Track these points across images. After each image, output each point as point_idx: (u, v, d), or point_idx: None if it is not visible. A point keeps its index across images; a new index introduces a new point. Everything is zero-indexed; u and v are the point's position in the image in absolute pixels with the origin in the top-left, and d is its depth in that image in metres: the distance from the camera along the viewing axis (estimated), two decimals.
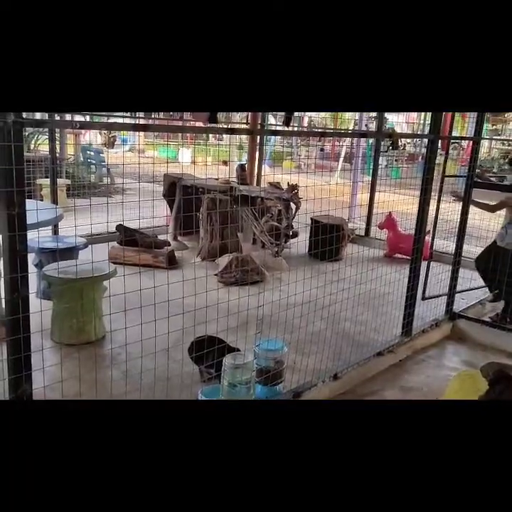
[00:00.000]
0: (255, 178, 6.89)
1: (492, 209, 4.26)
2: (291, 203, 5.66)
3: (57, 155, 7.22)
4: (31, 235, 2.08)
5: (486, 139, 11.92)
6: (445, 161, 4.24)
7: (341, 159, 13.69)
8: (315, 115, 19.37)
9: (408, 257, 3.71)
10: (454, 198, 4.29)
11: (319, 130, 12.26)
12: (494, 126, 17.58)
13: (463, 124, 12.99)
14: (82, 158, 10.00)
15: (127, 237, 4.85)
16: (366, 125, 9.64)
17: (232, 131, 2.35)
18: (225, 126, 7.96)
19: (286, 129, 3.76)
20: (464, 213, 3.92)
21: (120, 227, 4.88)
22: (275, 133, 4.57)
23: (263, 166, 7.82)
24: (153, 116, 19.11)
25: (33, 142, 9.65)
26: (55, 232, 4.95)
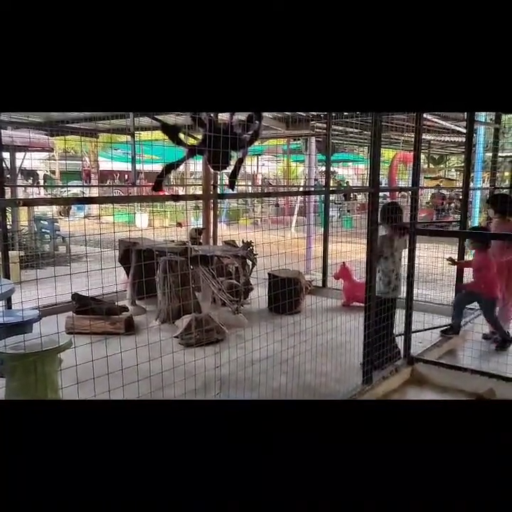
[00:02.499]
0: (211, 237, 6.99)
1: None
2: (247, 260, 5.76)
3: (9, 227, 7.15)
4: None
5: (423, 187, 12.57)
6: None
7: (296, 213, 14.08)
8: (266, 171, 19.97)
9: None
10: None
11: (268, 191, 12.65)
12: (437, 174, 18.57)
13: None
14: (35, 229, 9.91)
15: (83, 305, 4.79)
16: (316, 179, 9.99)
17: (177, 198, 2.42)
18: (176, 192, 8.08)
19: (233, 192, 3.88)
20: (411, 259, 4.08)
21: (75, 296, 4.82)
22: (222, 197, 4.69)
23: (219, 225, 7.96)
24: (108, 182, 19.27)
25: None
26: (9, 306, 4.85)
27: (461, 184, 5.51)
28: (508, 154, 7.77)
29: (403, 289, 4.44)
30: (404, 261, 4.14)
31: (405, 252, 4.15)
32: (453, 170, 19.39)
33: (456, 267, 4.97)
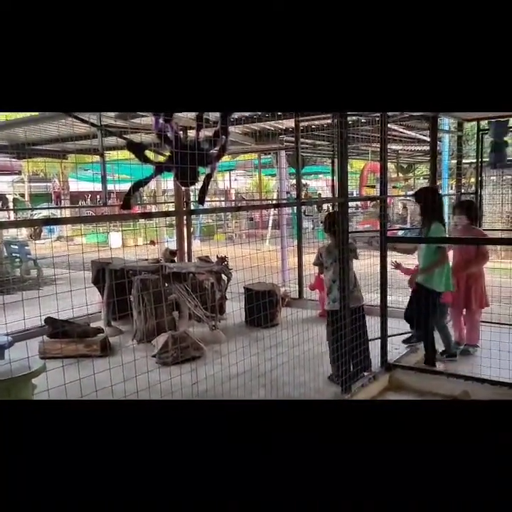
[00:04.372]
0: (186, 254, 6.97)
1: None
2: (222, 275, 5.76)
3: None
4: None
5: (391, 196, 12.80)
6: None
7: (270, 226, 14.16)
8: (237, 186, 20.07)
9: None
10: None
11: (241, 205, 12.74)
12: (407, 182, 18.93)
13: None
14: (5, 253, 9.73)
15: (57, 328, 4.71)
16: (288, 192, 10.07)
17: (147, 216, 2.41)
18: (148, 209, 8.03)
19: (205, 207, 3.89)
20: (383, 267, 4.13)
21: (48, 320, 4.73)
22: (193, 212, 4.69)
23: (193, 241, 7.95)
24: (79, 203, 19.06)
25: None
26: None
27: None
28: (472, 161, 7.98)
29: (373, 296, 4.47)
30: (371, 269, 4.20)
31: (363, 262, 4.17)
32: (421, 178, 19.79)
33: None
